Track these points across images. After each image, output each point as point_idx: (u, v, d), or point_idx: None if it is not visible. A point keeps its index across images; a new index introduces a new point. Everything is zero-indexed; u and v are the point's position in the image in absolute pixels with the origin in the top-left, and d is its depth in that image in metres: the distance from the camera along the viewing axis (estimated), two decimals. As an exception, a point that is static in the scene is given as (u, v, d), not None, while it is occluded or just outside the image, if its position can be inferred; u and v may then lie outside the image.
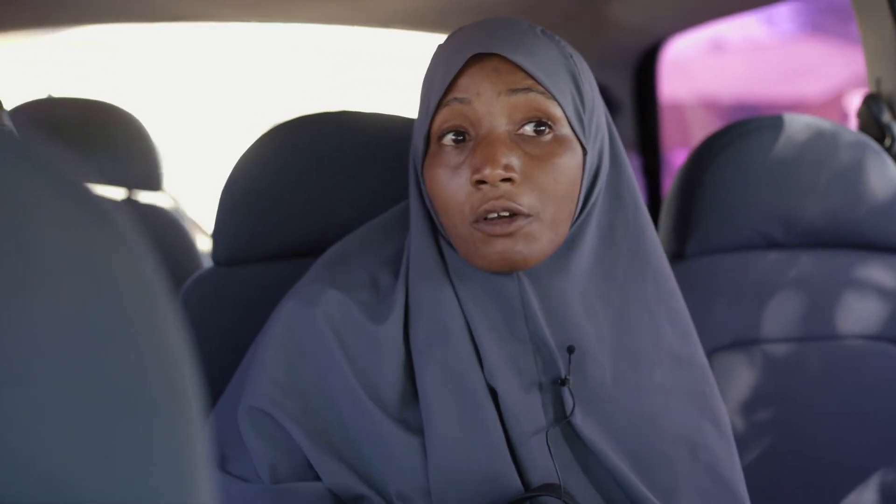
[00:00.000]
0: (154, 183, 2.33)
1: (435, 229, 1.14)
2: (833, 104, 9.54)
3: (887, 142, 1.79)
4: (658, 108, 2.65)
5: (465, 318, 1.10)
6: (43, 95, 2.26)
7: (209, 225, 3.12)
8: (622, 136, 2.63)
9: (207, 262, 2.37)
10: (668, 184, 2.64)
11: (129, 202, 2.33)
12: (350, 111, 1.49)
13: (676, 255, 1.64)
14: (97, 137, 2.24)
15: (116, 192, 2.38)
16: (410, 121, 1.47)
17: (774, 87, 9.26)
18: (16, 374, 0.35)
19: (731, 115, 9.70)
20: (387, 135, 1.44)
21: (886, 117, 1.78)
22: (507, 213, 1.03)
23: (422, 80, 1.15)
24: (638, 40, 2.51)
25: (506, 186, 1.03)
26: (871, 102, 1.80)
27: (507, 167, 1.02)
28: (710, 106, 9.39)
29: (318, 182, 1.41)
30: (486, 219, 1.04)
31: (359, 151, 1.42)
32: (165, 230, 2.27)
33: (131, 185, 2.32)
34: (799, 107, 9.79)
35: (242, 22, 2.39)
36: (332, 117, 1.48)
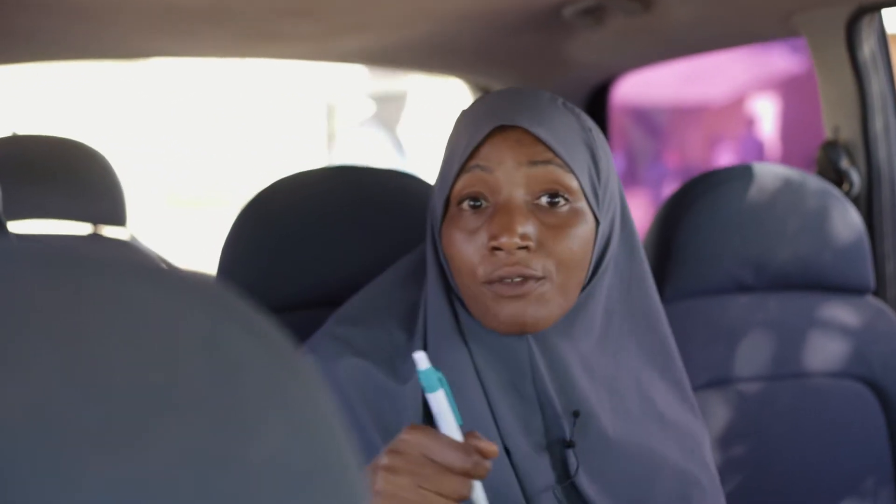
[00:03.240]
0: (119, 218, 2.33)
1: (449, 289, 1.18)
2: (735, 106, 9.74)
3: (845, 187, 1.88)
4: (608, 141, 2.73)
5: (479, 377, 1.15)
6: (7, 133, 2.25)
7: (170, 258, 3.12)
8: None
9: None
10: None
11: (95, 237, 2.32)
12: (349, 166, 1.53)
13: (655, 300, 1.72)
14: (63, 174, 2.24)
15: (82, 228, 2.38)
16: (407, 175, 1.52)
17: (676, 88, 9.39)
18: None
19: (633, 117, 9.83)
20: (385, 189, 1.48)
21: (844, 163, 1.87)
22: (519, 280, 1.08)
23: (445, 144, 1.20)
24: (591, 76, 2.58)
25: (521, 254, 1.07)
26: (829, 149, 1.90)
27: (524, 236, 1.07)
28: (612, 108, 9.47)
29: (319, 236, 1.44)
30: (499, 281, 1.08)
31: (358, 206, 1.46)
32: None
33: (96, 220, 2.32)
34: (702, 109, 9.98)
35: (204, 58, 2.40)
36: (331, 172, 1.51)
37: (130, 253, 2.30)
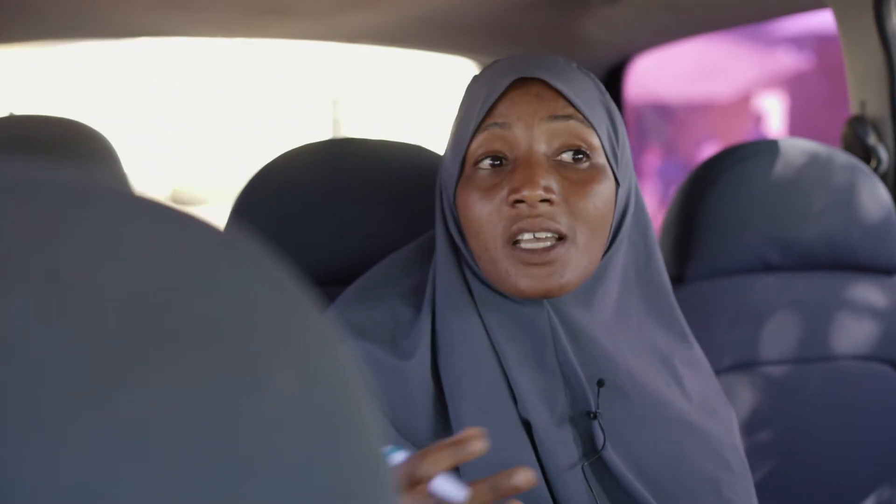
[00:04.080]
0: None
1: (460, 259, 1.13)
2: (742, 104, 9.72)
3: (873, 163, 1.82)
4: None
5: (494, 348, 1.09)
6: (3, 114, 2.19)
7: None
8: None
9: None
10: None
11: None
12: (355, 138, 1.47)
13: (677, 279, 1.64)
14: (62, 155, 2.18)
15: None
16: (416, 147, 1.46)
17: (683, 86, 9.37)
18: (230, 466, 0.34)
19: (641, 114, 9.81)
20: (393, 162, 1.43)
21: (872, 139, 1.81)
22: (543, 235, 1.02)
23: (456, 109, 1.15)
24: (606, 56, 2.52)
25: (544, 207, 1.02)
26: (856, 124, 1.83)
27: (547, 188, 1.02)
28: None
29: (325, 211, 1.38)
30: (520, 244, 1.03)
31: (365, 179, 1.41)
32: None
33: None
34: (709, 106, 9.96)
35: (210, 37, 2.35)
36: (337, 144, 1.46)
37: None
